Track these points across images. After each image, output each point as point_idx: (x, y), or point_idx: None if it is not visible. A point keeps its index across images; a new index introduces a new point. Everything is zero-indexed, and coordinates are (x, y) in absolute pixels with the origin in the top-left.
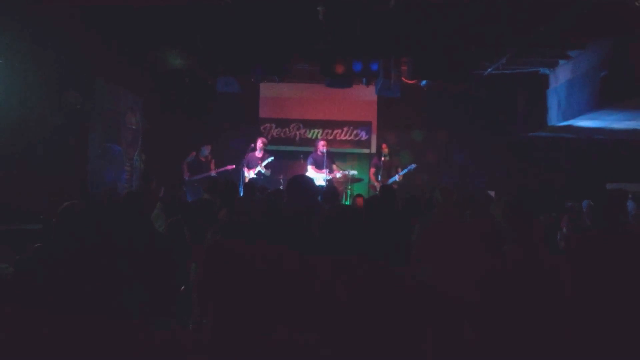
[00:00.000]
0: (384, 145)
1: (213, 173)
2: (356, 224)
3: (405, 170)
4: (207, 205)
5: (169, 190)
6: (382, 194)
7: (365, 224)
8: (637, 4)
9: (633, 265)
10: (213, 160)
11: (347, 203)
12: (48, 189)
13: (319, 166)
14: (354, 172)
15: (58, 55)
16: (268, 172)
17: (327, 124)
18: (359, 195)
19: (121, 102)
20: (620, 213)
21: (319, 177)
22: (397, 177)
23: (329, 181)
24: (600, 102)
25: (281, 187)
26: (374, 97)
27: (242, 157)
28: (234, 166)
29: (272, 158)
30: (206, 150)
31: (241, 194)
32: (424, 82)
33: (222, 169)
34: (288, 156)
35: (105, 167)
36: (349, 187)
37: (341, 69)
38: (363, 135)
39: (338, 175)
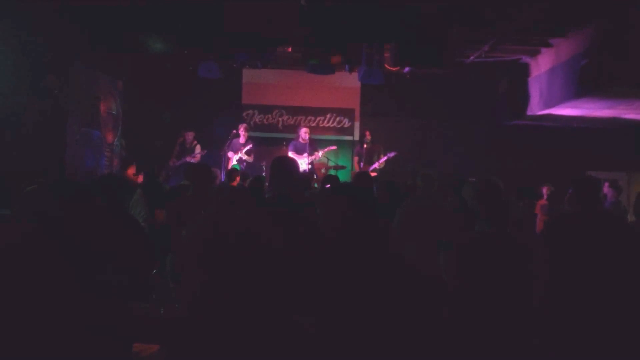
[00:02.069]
0: (367, 132)
1: (189, 159)
2: None
3: (385, 158)
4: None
5: (149, 176)
6: (357, 180)
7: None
8: None
9: (604, 246)
10: (198, 145)
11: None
12: (25, 174)
13: (300, 153)
14: (334, 147)
15: (34, 39)
16: (250, 159)
17: (310, 111)
18: None
19: (100, 86)
20: (595, 198)
21: (300, 162)
22: (376, 165)
23: (310, 165)
24: (580, 91)
25: (263, 174)
26: (357, 84)
27: (224, 143)
28: (205, 151)
29: (250, 145)
30: (189, 137)
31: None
32: (406, 69)
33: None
34: (271, 143)
35: (84, 152)
36: (332, 174)
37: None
38: (346, 123)
39: (320, 155)
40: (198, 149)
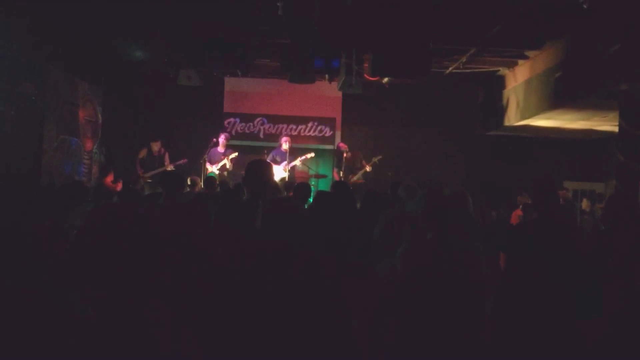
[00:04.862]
0: (340, 145)
1: (169, 167)
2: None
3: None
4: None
5: (127, 183)
6: (335, 189)
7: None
8: (584, 6)
9: (552, 251)
10: (167, 154)
11: (310, 200)
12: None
13: (279, 162)
14: (311, 154)
15: (10, 44)
16: (231, 167)
17: (291, 120)
18: None
19: (79, 93)
20: (549, 207)
21: (278, 170)
22: (367, 168)
23: (288, 173)
24: (555, 102)
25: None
26: (339, 94)
27: (204, 151)
28: (186, 160)
29: (237, 153)
30: (155, 146)
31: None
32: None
33: (176, 163)
34: (252, 151)
35: (62, 160)
36: (313, 183)
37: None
38: (327, 132)
39: (299, 164)
40: (167, 157)
